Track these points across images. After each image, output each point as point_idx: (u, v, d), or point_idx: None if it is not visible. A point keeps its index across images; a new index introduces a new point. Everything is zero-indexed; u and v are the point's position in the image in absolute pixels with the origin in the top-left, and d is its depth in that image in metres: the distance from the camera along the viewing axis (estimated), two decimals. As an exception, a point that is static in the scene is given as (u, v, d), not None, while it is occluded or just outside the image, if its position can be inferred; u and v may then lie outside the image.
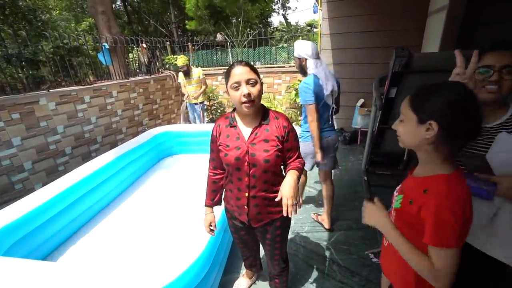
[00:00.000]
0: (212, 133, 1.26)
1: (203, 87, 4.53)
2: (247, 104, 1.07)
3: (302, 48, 2.06)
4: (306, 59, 2.06)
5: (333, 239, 2.30)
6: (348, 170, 3.53)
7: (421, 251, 0.79)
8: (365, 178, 3.05)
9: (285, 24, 17.43)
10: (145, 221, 2.49)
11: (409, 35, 3.70)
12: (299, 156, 1.27)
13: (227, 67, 1.13)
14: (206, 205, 1.42)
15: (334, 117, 2.21)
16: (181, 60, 4.31)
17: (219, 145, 1.21)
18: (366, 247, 2.18)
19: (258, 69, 1.18)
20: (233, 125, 1.19)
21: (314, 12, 5.62)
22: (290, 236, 2.36)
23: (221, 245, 1.85)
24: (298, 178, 1.17)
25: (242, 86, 1.06)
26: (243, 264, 1.85)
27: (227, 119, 1.23)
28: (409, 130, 0.84)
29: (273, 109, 1.27)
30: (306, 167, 2.25)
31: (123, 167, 3.05)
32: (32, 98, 3.10)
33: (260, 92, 1.12)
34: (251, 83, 1.07)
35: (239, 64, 1.09)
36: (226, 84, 1.12)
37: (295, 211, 1.07)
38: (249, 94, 1.06)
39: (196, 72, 4.46)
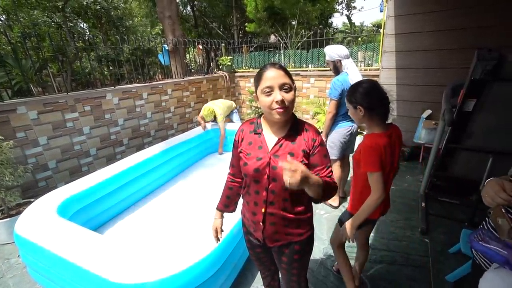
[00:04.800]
0: (235, 137, 1.17)
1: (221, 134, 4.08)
2: (279, 110, 0.95)
3: (334, 51, 2.36)
4: (340, 60, 2.36)
5: (372, 271, 1.97)
6: (403, 191, 3.02)
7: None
8: (423, 204, 2.57)
9: (349, 25, 16.42)
10: (183, 209, 2.75)
11: (502, 32, 2.97)
12: (329, 177, 1.04)
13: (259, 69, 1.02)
14: (217, 209, 1.35)
15: None
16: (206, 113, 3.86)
17: (240, 152, 1.11)
18: (413, 291, 1.79)
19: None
20: (257, 132, 1.08)
21: (381, 11, 5.07)
22: (322, 257, 2.12)
23: (236, 249, 1.79)
24: (318, 185, 0.91)
25: (275, 92, 0.95)
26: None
27: (252, 125, 1.12)
28: (353, 115, 1.37)
29: (305, 120, 1.14)
30: (335, 155, 2.54)
31: (174, 157, 3.39)
32: (101, 93, 3.55)
33: (294, 99, 1.00)
34: (285, 89, 0.96)
35: (272, 67, 0.98)
36: (256, 87, 1.02)
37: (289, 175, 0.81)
38: (282, 101, 0.94)
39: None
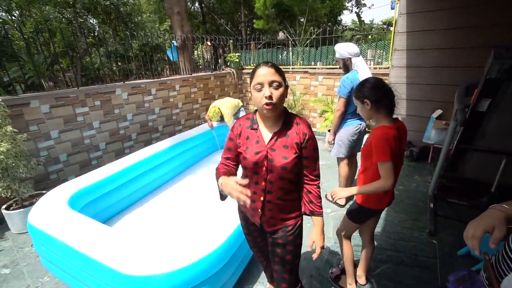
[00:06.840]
0: (233, 130, 1.22)
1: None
2: (267, 107, 1.04)
3: (345, 48, 2.36)
4: (350, 58, 2.36)
5: (378, 270, 1.96)
6: (411, 192, 2.99)
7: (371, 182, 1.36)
8: (431, 205, 2.54)
9: (358, 22, 16.20)
10: (191, 203, 2.80)
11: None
12: (316, 169, 1.19)
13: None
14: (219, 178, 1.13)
15: None
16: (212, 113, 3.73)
17: (238, 146, 1.18)
18: (420, 291, 1.78)
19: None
20: (254, 128, 1.16)
21: (392, 8, 4.97)
22: (327, 255, 2.13)
23: (242, 244, 1.79)
24: (322, 223, 1.22)
25: (264, 88, 1.04)
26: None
27: (248, 120, 1.20)
28: (361, 110, 1.44)
29: (296, 113, 1.23)
30: (343, 154, 2.55)
31: (181, 152, 3.44)
32: (111, 88, 3.59)
33: (283, 96, 1.08)
34: (274, 86, 1.04)
35: (264, 65, 1.06)
36: (250, 83, 1.10)
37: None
38: (270, 97, 1.03)
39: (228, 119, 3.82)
